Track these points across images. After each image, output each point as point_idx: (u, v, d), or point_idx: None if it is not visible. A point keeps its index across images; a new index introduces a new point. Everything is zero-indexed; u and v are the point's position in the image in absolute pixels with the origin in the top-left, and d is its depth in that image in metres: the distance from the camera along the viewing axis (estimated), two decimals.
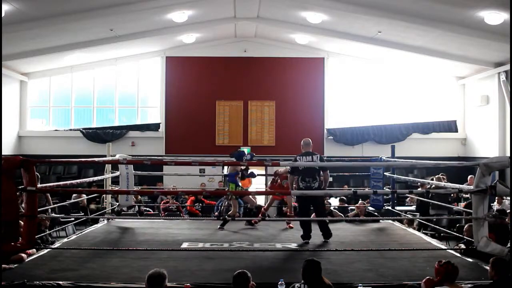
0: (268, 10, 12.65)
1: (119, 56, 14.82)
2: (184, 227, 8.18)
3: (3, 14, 9.15)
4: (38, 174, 6.21)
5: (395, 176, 9.29)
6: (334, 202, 11.05)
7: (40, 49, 12.69)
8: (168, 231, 7.76)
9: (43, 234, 7.16)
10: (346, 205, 10.59)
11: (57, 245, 6.55)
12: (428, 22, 11.01)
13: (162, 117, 15.17)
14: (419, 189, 9.89)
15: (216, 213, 10.17)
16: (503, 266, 4.19)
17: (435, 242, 6.94)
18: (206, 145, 14.79)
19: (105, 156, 9.09)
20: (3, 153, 12.13)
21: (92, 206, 11.94)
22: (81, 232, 7.62)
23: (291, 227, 8.02)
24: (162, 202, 11.68)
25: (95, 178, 8.67)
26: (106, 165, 8.97)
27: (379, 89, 15.45)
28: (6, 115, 13.73)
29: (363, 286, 4.47)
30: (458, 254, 5.96)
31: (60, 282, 4.61)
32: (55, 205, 9.08)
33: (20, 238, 5.15)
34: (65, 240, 7.02)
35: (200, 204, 11.40)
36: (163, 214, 10.93)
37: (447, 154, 14.66)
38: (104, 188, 8.87)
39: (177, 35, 13.75)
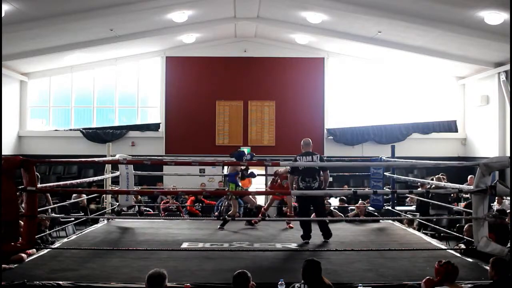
0: (268, 10, 12.65)
1: (119, 56, 14.82)
2: (184, 227, 8.18)
3: (3, 14, 9.15)
4: (38, 174, 6.21)
5: (395, 176, 9.29)
6: (334, 202, 11.05)
7: (40, 49, 12.69)
8: (168, 231, 7.75)
9: (43, 234, 7.16)
10: (346, 205, 10.58)
11: (57, 245, 6.54)
12: (428, 22, 11.01)
13: (162, 117, 15.17)
14: (419, 189, 9.88)
15: (216, 213, 10.17)
16: (503, 266, 4.19)
17: (435, 242, 6.93)
18: (206, 145, 14.79)
19: (105, 156, 9.08)
20: (3, 153, 12.12)
21: (92, 206, 11.94)
22: (81, 232, 7.62)
23: (291, 227, 8.02)
24: (162, 202, 11.67)
25: (95, 178, 8.66)
26: (106, 165, 8.97)
27: (379, 89, 15.45)
28: (6, 115, 13.73)
29: (363, 286, 4.47)
30: (458, 254, 5.95)
31: (60, 282, 4.61)
32: (55, 205, 9.08)
33: (20, 238, 5.15)
34: (65, 240, 7.02)
35: (200, 204, 11.39)
36: (163, 214, 10.93)
37: (447, 154, 14.66)
38: (104, 188, 8.87)
39: (177, 35, 13.75)
